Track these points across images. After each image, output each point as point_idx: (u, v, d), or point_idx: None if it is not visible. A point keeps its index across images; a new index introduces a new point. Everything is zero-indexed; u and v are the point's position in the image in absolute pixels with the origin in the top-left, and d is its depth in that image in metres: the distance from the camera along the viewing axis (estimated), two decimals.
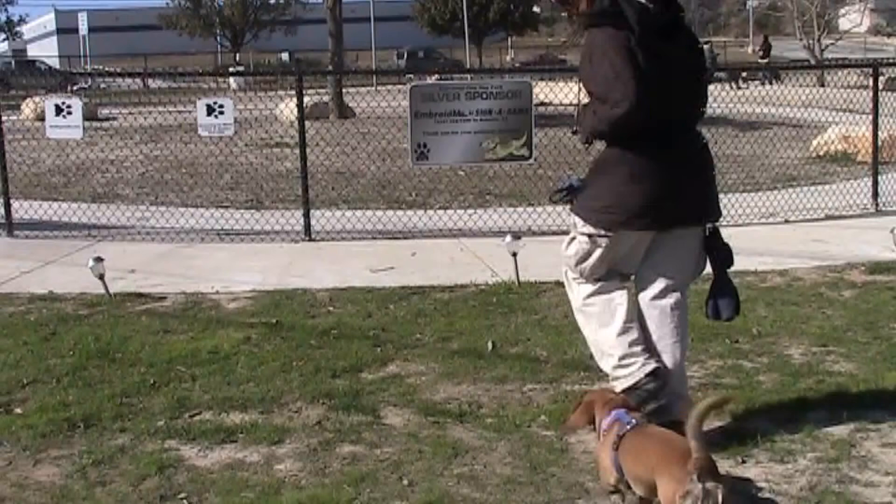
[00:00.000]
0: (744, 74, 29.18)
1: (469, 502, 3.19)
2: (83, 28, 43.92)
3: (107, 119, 19.78)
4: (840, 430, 3.70)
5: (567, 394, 4.15)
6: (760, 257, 6.76)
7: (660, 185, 3.46)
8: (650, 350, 3.58)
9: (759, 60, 34.82)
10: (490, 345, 4.85)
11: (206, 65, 45.97)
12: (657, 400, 3.50)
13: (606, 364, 3.67)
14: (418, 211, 9.03)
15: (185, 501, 3.23)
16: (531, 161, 7.90)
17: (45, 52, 63.44)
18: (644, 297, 3.64)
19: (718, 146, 12.11)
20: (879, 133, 9.40)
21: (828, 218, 8.62)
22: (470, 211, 8.67)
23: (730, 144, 12.68)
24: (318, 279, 6.46)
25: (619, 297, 3.63)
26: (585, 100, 3.66)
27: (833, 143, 13.14)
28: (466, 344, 4.90)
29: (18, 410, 4.05)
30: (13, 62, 47.83)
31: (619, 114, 3.36)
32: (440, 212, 9.05)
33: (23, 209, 8.61)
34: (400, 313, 5.53)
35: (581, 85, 3.64)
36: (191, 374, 4.46)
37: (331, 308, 5.69)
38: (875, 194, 9.08)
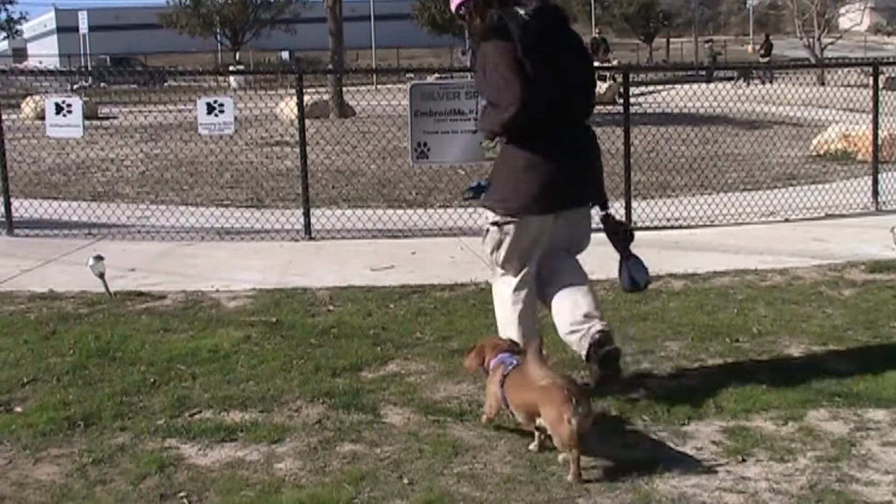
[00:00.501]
0: None
1: (469, 501, 3.19)
2: (83, 26, 43.91)
3: (107, 118, 19.77)
4: (840, 429, 3.70)
5: None
6: (760, 256, 6.76)
7: (551, 173, 3.96)
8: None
9: (760, 59, 34.81)
10: None
11: (205, 63, 45.93)
12: None
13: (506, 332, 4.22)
14: (418, 210, 9.03)
15: (185, 500, 3.23)
16: None
17: (46, 50, 63.45)
18: (548, 263, 4.20)
19: (719, 145, 12.21)
20: (879, 132, 9.40)
21: (828, 217, 8.62)
22: (470, 210, 8.65)
23: (730, 143, 12.72)
24: (318, 278, 6.46)
25: (530, 292, 4.20)
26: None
27: (833, 141, 13.14)
28: (466, 343, 4.88)
29: (18, 409, 4.06)
30: (108, 59, 48.02)
31: (508, 116, 3.88)
32: (440, 211, 9.05)
33: (23, 208, 8.61)
34: (400, 312, 5.53)
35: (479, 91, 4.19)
36: (191, 373, 4.46)
37: (331, 307, 5.69)
38: (875, 193, 9.08)
